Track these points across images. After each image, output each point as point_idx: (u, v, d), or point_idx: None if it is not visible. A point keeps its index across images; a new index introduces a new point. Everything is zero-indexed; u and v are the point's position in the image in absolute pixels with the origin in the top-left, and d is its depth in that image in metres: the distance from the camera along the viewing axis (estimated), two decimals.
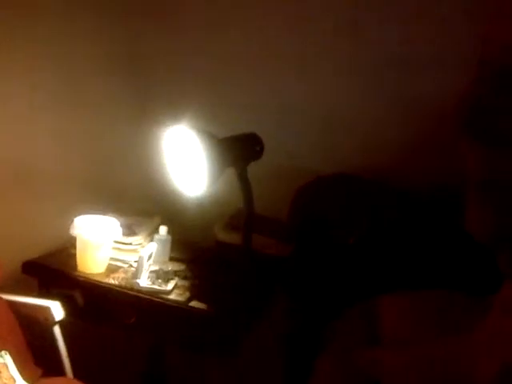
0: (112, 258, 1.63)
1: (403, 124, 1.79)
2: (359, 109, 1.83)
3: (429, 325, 1.43)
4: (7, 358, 1.39)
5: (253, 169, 1.54)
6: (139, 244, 1.69)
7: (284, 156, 1.85)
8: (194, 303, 1.47)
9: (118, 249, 1.65)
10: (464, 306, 1.45)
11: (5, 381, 1.35)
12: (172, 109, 1.69)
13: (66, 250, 1.65)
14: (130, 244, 1.68)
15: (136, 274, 1.51)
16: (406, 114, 1.79)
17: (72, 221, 1.58)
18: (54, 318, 1.50)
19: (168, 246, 1.67)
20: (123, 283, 1.53)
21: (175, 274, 1.59)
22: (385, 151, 1.80)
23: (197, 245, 1.80)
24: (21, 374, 1.40)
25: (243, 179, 1.50)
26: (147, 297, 1.47)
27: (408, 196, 1.74)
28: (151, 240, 1.68)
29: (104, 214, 1.67)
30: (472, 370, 0.61)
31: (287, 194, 1.80)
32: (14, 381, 1.37)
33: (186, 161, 1.47)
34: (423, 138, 1.78)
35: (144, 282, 1.51)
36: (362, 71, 1.81)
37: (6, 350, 1.40)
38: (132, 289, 1.49)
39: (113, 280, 1.54)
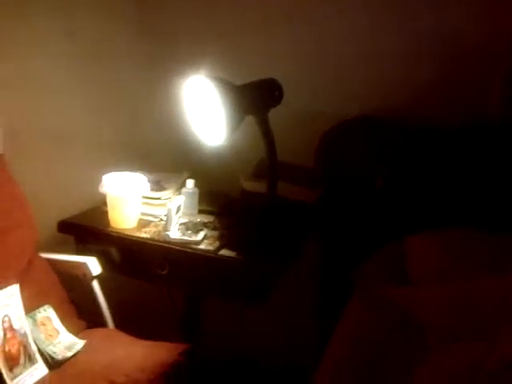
0: (143, 213, 1.67)
1: (423, 61, 1.74)
2: (379, 47, 1.78)
3: (463, 263, 1.43)
4: (50, 312, 1.46)
5: (275, 116, 1.54)
6: (168, 198, 1.72)
7: (306, 101, 1.83)
8: (223, 252, 1.50)
9: (148, 204, 1.69)
10: (489, 243, 1.44)
11: (50, 332, 1.42)
12: (190, 60, 1.68)
13: (99, 208, 1.70)
14: (159, 199, 1.71)
15: (166, 227, 1.55)
16: (428, 52, 1.73)
17: (101, 180, 1.62)
18: (91, 273, 1.56)
19: (196, 198, 1.70)
20: (155, 236, 1.57)
21: (204, 225, 1.62)
22: (407, 89, 1.75)
23: (224, 196, 1.82)
24: (65, 326, 1.47)
25: (264, 126, 1.49)
26: (178, 247, 1.51)
27: (431, 136, 1.70)
28: (179, 194, 1.71)
29: (132, 172, 1.70)
30: None
31: (312, 139, 1.79)
32: (58, 332, 1.44)
33: (206, 111, 1.47)
34: (444, 75, 1.72)
35: (174, 233, 1.54)
36: (378, 9, 1.75)
37: (48, 304, 1.47)
38: (163, 241, 1.53)
39: (144, 234, 1.58)
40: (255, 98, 1.46)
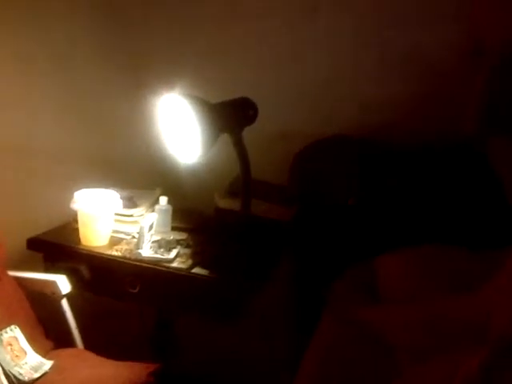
0: (114, 231, 1.64)
1: (400, 82, 1.77)
2: (355, 68, 1.81)
3: (430, 281, 1.44)
4: (17, 332, 1.42)
5: (250, 134, 1.54)
6: (140, 215, 1.70)
7: (281, 120, 1.84)
8: (196, 270, 1.49)
9: (120, 221, 1.67)
10: (464, 262, 1.45)
11: (16, 353, 1.38)
12: (165, 78, 1.68)
13: (69, 224, 1.67)
14: (132, 216, 1.69)
15: (138, 245, 1.53)
16: (404, 71, 1.76)
17: (73, 196, 1.60)
18: (60, 292, 1.53)
19: (169, 215, 1.69)
20: (126, 254, 1.54)
21: (177, 242, 1.61)
22: (382, 110, 1.78)
23: (198, 213, 1.81)
24: (32, 346, 1.44)
25: (238, 145, 1.50)
26: (150, 266, 1.49)
27: (407, 154, 1.73)
28: (152, 211, 1.70)
29: (104, 188, 1.68)
30: (487, 320, 0.61)
31: (287, 158, 1.79)
32: (25, 353, 1.40)
33: (180, 129, 1.47)
34: (421, 95, 1.75)
35: (146, 251, 1.53)
36: (356, 30, 1.78)
37: (15, 324, 1.43)
38: (135, 259, 1.51)
39: (116, 252, 1.56)
40: (230, 117, 1.46)
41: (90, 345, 1.58)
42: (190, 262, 1.53)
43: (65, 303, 1.55)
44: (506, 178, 0.47)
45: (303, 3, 1.80)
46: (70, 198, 1.60)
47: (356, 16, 1.76)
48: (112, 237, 1.62)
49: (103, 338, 1.60)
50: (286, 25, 1.83)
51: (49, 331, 1.56)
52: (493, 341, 0.52)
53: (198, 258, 1.54)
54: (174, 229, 1.71)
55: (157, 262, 1.50)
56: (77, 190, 1.61)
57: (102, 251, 1.55)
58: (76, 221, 1.61)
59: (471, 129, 0.46)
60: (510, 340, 0.50)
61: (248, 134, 1.54)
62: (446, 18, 1.65)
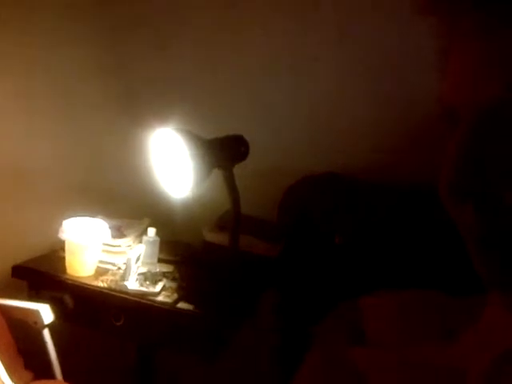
0: (101, 261, 1.63)
1: (393, 125, 1.80)
2: (348, 110, 1.84)
3: (415, 326, 1.45)
4: None
5: (241, 170, 1.56)
6: (128, 246, 1.70)
7: (272, 157, 1.86)
8: (181, 304, 1.48)
9: (107, 251, 1.66)
10: (450, 307, 1.47)
11: None
12: (159, 112, 1.70)
13: (56, 253, 1.66)
14: (119, 246, 1.68)
15: (124, 277, 1.52)
16: (397, 115, 1.79)
17: (61, 224, 1.59)
18: (43, 322, 1.51)
19: (156, 247, 1.68)
20: (112, 285, 1.53)
21: (163, 275, 1.60)
22: (374, 151, 1.80)
23: (185, 246, 1.81)
24: (10, 377, 1.41)
25: (229, 180, 1.51)
26: (135, 299, 1.48)
27: (397, 195, 1.75)
28: (140, 242, 1.69)
29: (93, 217, 1.68)
30: (464, 368, 0.62)
31: (276, 194, 1.81)
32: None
33: (172, 163, 1.48)
34: (412, 139, 1.79)
35: (132, 284, 1.52)
36: (351, 73, 1.82)
37: None
38: (120, 291, 1.50)
39: (101, 283, 1.55)
40: (222, 153, 1.48)
41: (70, 376, 1.55)
42: (175, 295, 1.52)
43: (46, 333, 1.52)
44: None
45: (304, 52, 1.83)
46: (58, 225, 1.59)
47: (350, 60, 1.81)
48: (98, 267, 1.61)
49: (83, 370, 1.58)
50: (279, 67, 1.87)
51: (29, 361, 1.53)
52: None
53: (183, 292, 1.54)
54: (160, 261, 1.70)
55: (142, 295, 1.49)
56: (65, 218, 1.60)
57: (87, 282, 1.54)
58: (63, 249, 1.60)
59: (441, 194, 0.46)
60: None
61: (239, 169, 1.55)
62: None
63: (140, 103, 1.94)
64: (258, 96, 1.88)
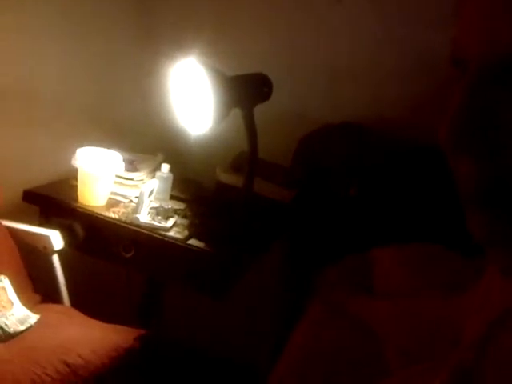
0: (113, 193, 1.63)
1: (413, 77, 1.75)
2: (369, 60, 1.79)
3: (420, 279, 1.45)
4: (6, 282, 1.41)
5: (260, 112, 1.52)
6: (141, 180, 1.69)
7: (292, 102, 1.82)
8: (192, 241, 1.48)
9: (120, 183, 1.65)
10: (455, 264, 1.46)
11: (3, 304, 1.37)
12: (179, 41, 1.65)
13: (68, 180, 1.65)
14: (132, 179, 1.67)
15: (136, 209, 1.51)
16: (416, 67, 1.74)
17: (74, 152, 1.57)
18: (53, 247, 1.51)
19: (169, 184, 1.67)
20: (123, 217, 1.53)
21: (175, 212, 1.59)
22: (393, 103, 1.76)
23: (198, 184, 1.80)
24: (19, 298, 1.43)
25: (249, 120, 1.47)
26: (146, 232, 1.48)
27: (413, 148, 1.72)
28: (153, 177, 1.68)
29: (107, 148, 1.65)
30: (460, 330, 0.61)
31: (292, 140, 1.78)
32: (12, 304, 1.39)
33: (192, 97, 1.44)
34: (432, 91, 1.74)
35: (144, 217, 1.51)
36: (372, 23, 1.76)
37: (4, 274, 1.42)
38: (131, 223, 1.50)
39: (113, 214, 1.54)
40: (245, 91, 1.44)
41: (77, 303, 1.57)
42: (186, 232, 1.51)
43: (56, 259, 1.53)
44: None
45: None
46: (71, 153, 1.57)
47: (379, 9, 1.74)
48: (110, 198, 1.61)
49: (90, 299, 1.59)
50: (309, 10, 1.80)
51: (37, 285, 1.54)
52: (453, 366, 0.52)
53: (194, 229, 1.53)
54: (172, 198, 1.69)
55: (153, 229, 1.49)
56: (79, 147, 1.58)
57: (98, 212, 1.53)
58: (75, 178, 1.59)
59: (442, 141, 0.43)
60: (467, 365, 0.50)
61: (257, 110, 1.52)
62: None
63: (160, 29, 1.88)
64: (284, 40, 1.82)
